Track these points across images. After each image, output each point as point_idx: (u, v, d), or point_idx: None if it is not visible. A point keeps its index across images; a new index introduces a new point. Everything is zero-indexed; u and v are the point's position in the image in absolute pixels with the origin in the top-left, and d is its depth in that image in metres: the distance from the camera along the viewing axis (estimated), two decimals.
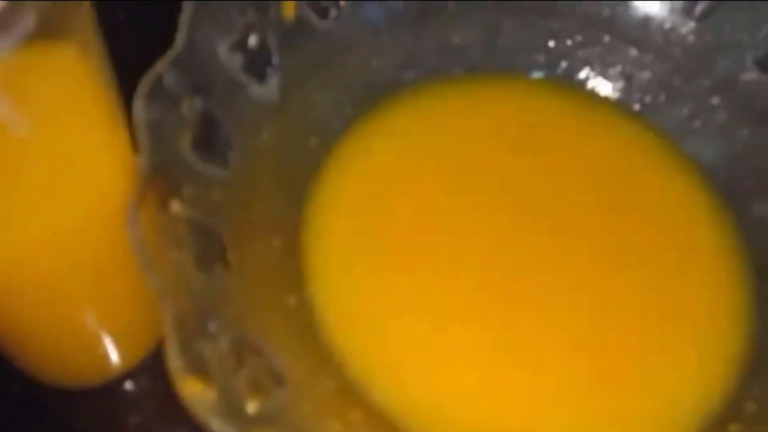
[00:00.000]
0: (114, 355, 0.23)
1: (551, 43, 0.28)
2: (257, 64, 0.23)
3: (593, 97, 0.28)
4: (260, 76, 0.23)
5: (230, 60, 0.22)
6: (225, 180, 0.21)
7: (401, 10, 0.26)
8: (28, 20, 0.14)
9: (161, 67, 0.20)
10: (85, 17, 0.15)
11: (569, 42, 0.27)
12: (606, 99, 0.28)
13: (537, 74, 0.28)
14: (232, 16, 0.23)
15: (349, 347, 0.22)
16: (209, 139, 0.21)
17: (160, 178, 0.19)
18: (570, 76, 0.28)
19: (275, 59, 0.24)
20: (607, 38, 0.27)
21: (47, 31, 0.14)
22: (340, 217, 0.25)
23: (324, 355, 0.21)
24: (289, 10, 0.24)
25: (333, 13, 0.25)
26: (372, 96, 0.27)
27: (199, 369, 0.16)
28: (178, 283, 0.17)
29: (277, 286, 0.22)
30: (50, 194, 0.17)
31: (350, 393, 0.21)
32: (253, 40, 0.23)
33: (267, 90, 0.24)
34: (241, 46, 0.23)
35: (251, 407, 0.16)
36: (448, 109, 0.28)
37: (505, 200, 0.26)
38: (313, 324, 0.22)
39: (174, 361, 0.16)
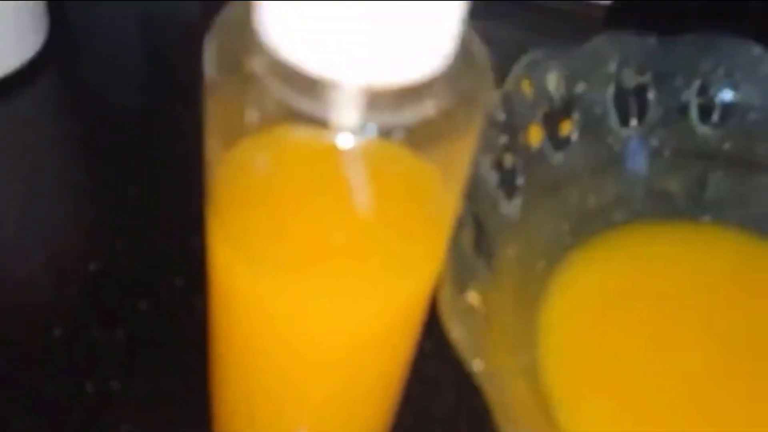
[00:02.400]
0: None
1: (758, 198, 0.29)
2: (507, 184, 0.24)
3: None
4: (509, 194, 0.24)
5: (489, 176, 0.24)
6: (492, 283, 0.22)
7: (621, 152, 0.28)
8: (437, 101, 0.15)
9: None
10: (470, 145, 0.16)
11: None
12: None
13: (743, 227, 0.29)
14: (492, 137, 0.24)
15: None
16: (479, 242, 0.22)
17: (458, 270, 0.19)
18: None
19: (520, 181, 0.25)
20: None
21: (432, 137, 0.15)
22: (563, 343, 0.25)
23: None
24: (534, 137, 0.25)
25: (567, 148, 0.26)
26: (586, 229, 0.28)
27: None
28: (490, 367, 0.17)
29: (536, 405, 0.21)
30: (380, 277, 0.17)
31: None
32: (507, 161, 0.24)
33: (512, 209, 0.24)
34: (498, 165, 0.24)
35: None
36: (653, 251, 0.28)
37: (706, 344, 0.26)
38: None
39: None
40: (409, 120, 0.14)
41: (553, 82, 0.26)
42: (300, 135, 0.15)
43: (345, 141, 0.14)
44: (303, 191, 0.16)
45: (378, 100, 0.14)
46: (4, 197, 0.29)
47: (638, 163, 0.28)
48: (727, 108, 0.29)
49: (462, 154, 0.16)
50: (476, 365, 0.17)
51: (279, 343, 0.17)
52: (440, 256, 0.18)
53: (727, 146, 0.29)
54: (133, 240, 0.28)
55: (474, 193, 0.22)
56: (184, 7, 0.36)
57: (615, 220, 0.28)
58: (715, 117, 0.29)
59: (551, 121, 0.26)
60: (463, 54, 0.14)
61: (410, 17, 0.13)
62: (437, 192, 0.17)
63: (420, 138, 0.15)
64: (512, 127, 0.25)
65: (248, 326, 0.17)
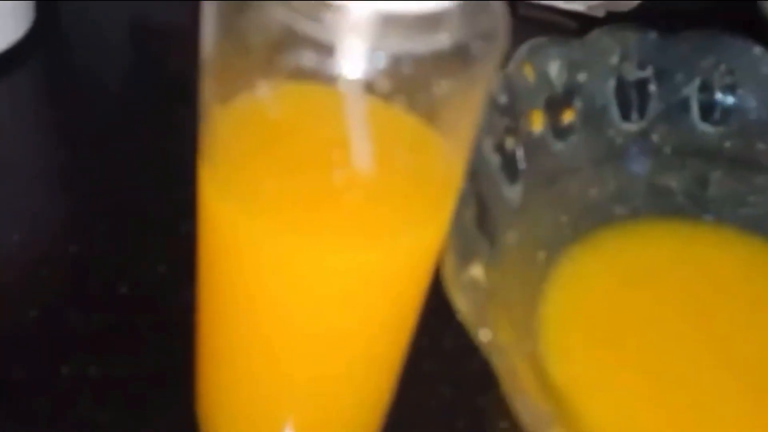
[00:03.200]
0: None
1: (757, 198, 0.28)
2: (509, 167, 0.24)
3: None
4: (511, 178, 0.24)
5: (492, 158, 0.23)
6: (496, 262, 0.21)
7: (620, 148, 0.27)
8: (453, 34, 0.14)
9: None
10: (474, 116, 0.15)
11: None
12: None
13: (743, 227, 0.28)
14: (494, 119, 0.23)
15: None
16: (483, 220, 0.21)
17: (461, 245, 0.18)
18: None
19: (522, 165, 0.24)
20: None
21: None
22: (565, 337, 0.24)
23: None
24: (536, 123, 0.25)
25: (568, 138, 0.26)
26: (587, 222, 0.27)
27: None
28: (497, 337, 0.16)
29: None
30: (375, 231, 0.16)
31: None
32: (509, 143, 0.23)
33: (514, 193, 0.24)
34: (500, 147, 0.23)
35: None
36: (652, 249, 0.28)
37: (698, 340, 0.26)
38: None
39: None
40: (420, 49, 0.13)
41: (554, 69, 0.26)
42: (303, 85, 0.14)
43: (352, 69, 0.13)
44: (305, 141, 0.15)
45: (388, 28, 0.13)
46: None
47: (639, 160, 0.27)
48: (728, 107, 0.28)
49: (467, 114, 0.16)
50: (483, 335, 0.16)
51: (272, 295, 0.16)
52: (442, 222, 0.17)
53: (728, 145, 0.28)
54: (115, 225, 0.27)
55: (477, 173, 0.22)
56: None
57: (615, 216, 0.28)
58: (716, 115, 0.28)
59: (553, 109, 0.25)
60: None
61: None
62: (441, 154, 0.16)
63: (426, 96, 0.14)
64: (514, 111, 0.24)
65: (242, 279, 0.16)
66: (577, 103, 0.26)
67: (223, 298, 0.17)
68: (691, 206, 0.28)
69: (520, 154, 0.24)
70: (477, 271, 0.18)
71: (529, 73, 0.25)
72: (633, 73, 0.27)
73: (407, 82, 0.13)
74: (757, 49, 0.28)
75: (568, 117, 0.26)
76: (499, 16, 0.15)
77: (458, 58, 0.14)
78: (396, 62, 0.13)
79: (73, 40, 0.34)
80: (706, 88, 0.28)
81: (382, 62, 0.13)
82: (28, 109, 0.31)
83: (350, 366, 0.18)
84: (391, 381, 0.20)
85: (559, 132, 0.26)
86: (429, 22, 0.13)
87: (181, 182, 0.21)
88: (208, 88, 0.15)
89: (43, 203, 0.28)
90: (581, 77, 0.26)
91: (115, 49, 0.34)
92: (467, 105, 0.15)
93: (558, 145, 0.26)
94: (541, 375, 0.21)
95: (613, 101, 0.27)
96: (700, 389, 0.24)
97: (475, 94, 0.15)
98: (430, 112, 0.15)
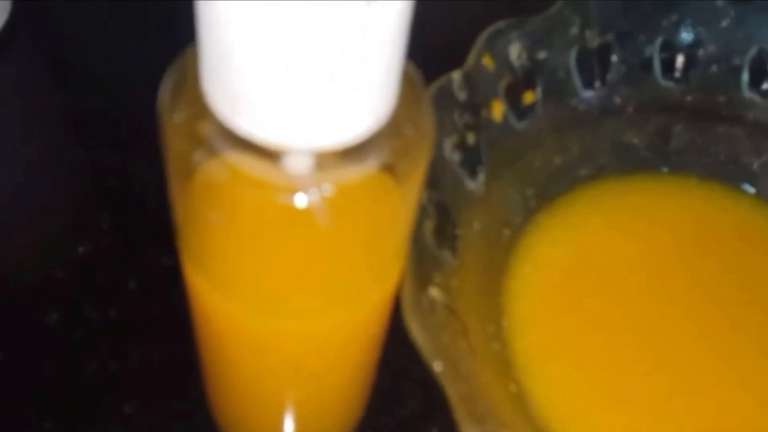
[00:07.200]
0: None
1: (719, 148, 0.29)
2: (470, 161, 0.25)
3: (759, 200, 0.29)
4: (472, 172, 0.25)
5: (452, 157, 0.24)
6: (456, 267, 0.23)
7: (584, 112, 0.28)
8: (380, 156, 0.15)
9: None
10: (422, 169, 0.16)
11: (737, 147, 0.29)
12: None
13: (704, 175, 0.30)
14: (455, 119, 0.25)
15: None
16: (443, 228, 0.23)
17: (419, 266, 0.20)
18: (736, 179, 0.29)
19: (483, 156, 0.26)
20: None
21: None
22: (532, 308, 0.26)
23: None
24: (497, 112, 0.26)
25: (531, 116, 0.27)
26: (552, 189, 0.29)
27: None
28: (451, 366, 0.19)
29: (498, 373, 0.23)
30: (345, 288, 0.18)
31: None
32: (470, 139, 0.25)
33: (476, 184, 0.25)
34: (460, 144, 0.25)
35: None
36: (619, 204, 0.29)
37: (675, 294, 0.27)
38: (534, 410, 0.23)
39: None
40: (362, 170, 0.15)
41: (515, 52, 0.26)
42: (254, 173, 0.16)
43: (299, 200, 0.15)
44: (261, 219, 0.17)
45: (328, 159, 0.15)
46: None
47: (602, 123, 0.29)
48: (689, 61, 0.29)
49: (416, 173, 0.17)
50: (437, 366, 0.18)
51: (247, 353, 0.19)
52: (399, 264, 0.19)
53: (689, 99, 0.29)
54: (117, 218, 0.29)
55: (436, 179, 0.23)
56: None
57: (580, 178, 0.29)
58: (678, 71, 0.29)
59: (514, 92, 0.26)
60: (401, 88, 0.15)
61: (349, 82, 0.14)
62: (394, 206, 0.18)
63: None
64: (474, 105, 0.25)
65: (216, 335, 0.19)
66: (539, 82, 0.27)
67: (203, 340, 0.20)
68: (654, 160, 0.30)
69: (482, 145, 0.25)
70: (434, 292, 0.21)
71: (488, 62, 0.26)
72: (595, 40, 0.28)
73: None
74: (719, 2, 0.29)
75: (529, 98, 0.27)
76: (419, 93, 0.16)
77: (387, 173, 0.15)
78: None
79: (56, 19, 0.35)
80: (668, 46, 0.29)
81: (326, 192, 0.15)
82: (17, 100, 0.33)
83: (333, 383, 0.21)
84: (370, 374, 0.23)
85: (521, 113, 0.27)
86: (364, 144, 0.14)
87: None
88: (170, 168, 0.17)
89: (44, 203, 0.30)
90: (541, 55, 0.27)
91: (101, 24, 0.35)
92: (412, 178, 0.17)
93: (520, 125, 0.27)
94: (503, 363, 0.23)
95: (575, 72, 0.28)
96: (670, 350, 0.26)
97: (417, 170, 0.16)
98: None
